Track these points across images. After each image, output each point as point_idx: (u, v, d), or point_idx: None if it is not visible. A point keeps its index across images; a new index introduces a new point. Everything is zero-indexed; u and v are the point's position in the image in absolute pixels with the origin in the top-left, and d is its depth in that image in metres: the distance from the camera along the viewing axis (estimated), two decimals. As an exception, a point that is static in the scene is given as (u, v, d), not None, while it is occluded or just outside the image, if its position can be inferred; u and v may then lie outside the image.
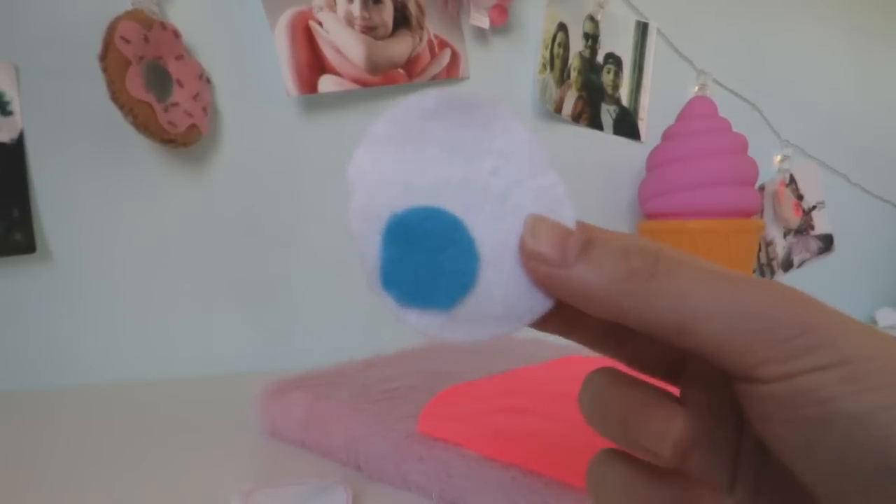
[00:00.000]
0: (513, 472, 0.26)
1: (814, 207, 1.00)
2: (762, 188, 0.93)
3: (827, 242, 1.01)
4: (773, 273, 0.95)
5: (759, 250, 0.93)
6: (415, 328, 0.15)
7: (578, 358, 0.46)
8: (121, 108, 0.49)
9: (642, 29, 0.83)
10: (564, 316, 0.16)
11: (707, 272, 0.14)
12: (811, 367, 0.13)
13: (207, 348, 0.58)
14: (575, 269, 0.14)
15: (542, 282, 0.15)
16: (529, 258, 0.15)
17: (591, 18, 0.78)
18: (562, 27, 0.75)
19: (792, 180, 0.97)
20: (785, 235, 0.96)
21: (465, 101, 0.15)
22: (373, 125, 0.15)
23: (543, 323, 0.16)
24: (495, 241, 0.15)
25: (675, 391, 0.17)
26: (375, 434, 0.32)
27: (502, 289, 0.15)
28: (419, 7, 0.65)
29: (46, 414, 0.45)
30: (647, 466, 0.16)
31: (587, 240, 0.14)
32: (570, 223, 0.15)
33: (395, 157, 0.15)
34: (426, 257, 0.15)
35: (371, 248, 0.15)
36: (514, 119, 0.15)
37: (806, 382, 0.13)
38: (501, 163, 0.15)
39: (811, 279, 0.99)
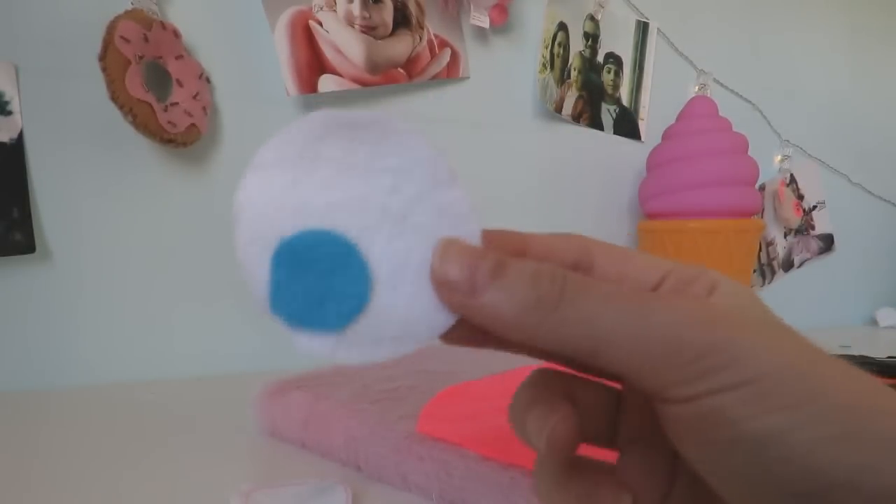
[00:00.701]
0: (513, 472, 0.26)
1: (814, 207, 1.00)
2: (762, 188, 0.93)
3: (827, 242, 1.01)
4: (773, 273, 0.95)
5: (760, 250, 0.93)
6: (306, 351, 0.15)
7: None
8: (120, 107, 0.48)
9: (643, 29, 0.83)
10: (467, 331, 0.16)
11: (615, 294, 0.14)
12: (715, 388, 0.13)
13: (207, 348, 0.58)
14: (485, 295, 0.14)
15: (452, 308, 0.15)
16: (439, 285, 0.14)
17: (592, 18, 0.78)
18: (562, 27, 0.75)
19: (792, 180, 0.97)
20: (785, 235, 0.96)
21: (353, 120, 0.14)
22: (261, 150, 0.15)
23: (447, 339, 0.16)
24: (393, 262, 0.14)
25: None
26: (375, 434, 0.32)
27: (399, 310, 0.14)
28: (419, 7, 0.65)
29: (46, 414, 0.45)
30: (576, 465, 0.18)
31: (497, 264, 0.14)
32: (474, 239, 0.15)
33: (285, 180, 0.15)
34: (315, 281, 0.14)
35: (260, 273, 0.15)
36: (411, 134, 0.15)
37: (710, 404, 0.13)
38: (399, 180, 0.14)
39: (811, 279, 0.99)
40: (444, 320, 0.15)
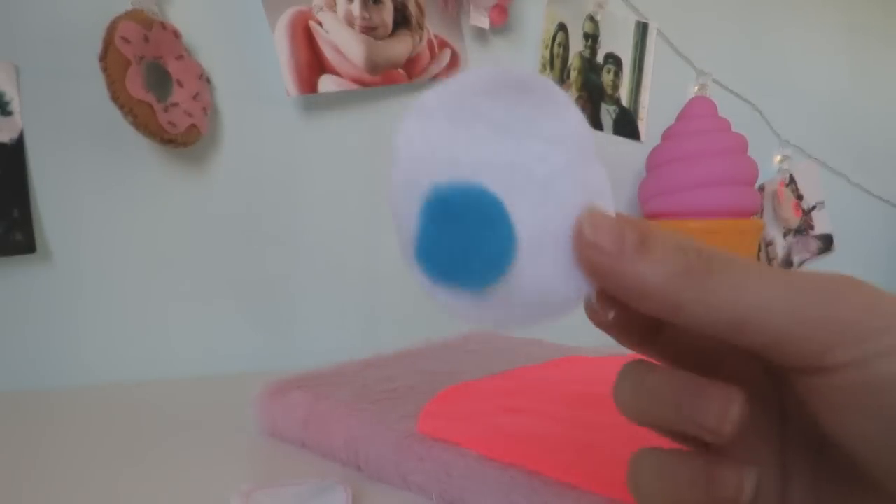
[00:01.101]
0: (513, 472, 0.26)
1: (814, 207, 1.00)
2: (762, 188, 0.93)
3: (827, 242, 1.01)
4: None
5: (759, 250, 0.93)
6: (444, 307, 0.14)
7: (578, 358, 0.46)
8: (121, 108, 0.49)
9: (642, 29, 0.83)
10: (602, 305, 0.15)
11: (760, 267, 0.14)
12: (883, 350, 0.12)
13: (207, 348, 0.58)
14: (633, 263, 0.14)
15: (595, 272, 0.14)
16: (587, 248, 0.14)
17: (591, 18, 0.78)
18: (562, 27, 0.75)
19: (792, 180, 0.97)
20: (785, 235, 0.96)
21: (521, 81, 0.14)
22: (424, 95, 0.14)
23: (591, 314, 0.16)
24: (534, 228, 0.14)
25: None
26: (375, 434, 0.32)
27: (538, 277, 0.14)
28: (419, 7, 0.65)
29: (46, 414, 0.45)
30: (677, 452, 0.16)
31: (643, 235, 0.14)
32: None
33: (442, 129, 0.14)
34: (463, 235, 0.13)
35: (409, 219, 0.14)
36: (569, 105, 0.15)
37: (879, 367, 0.12)
38: (549, 149, 0.14)
39: (811, 279, 0.99)
40: (581, 290, 0.14)
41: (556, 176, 0.14)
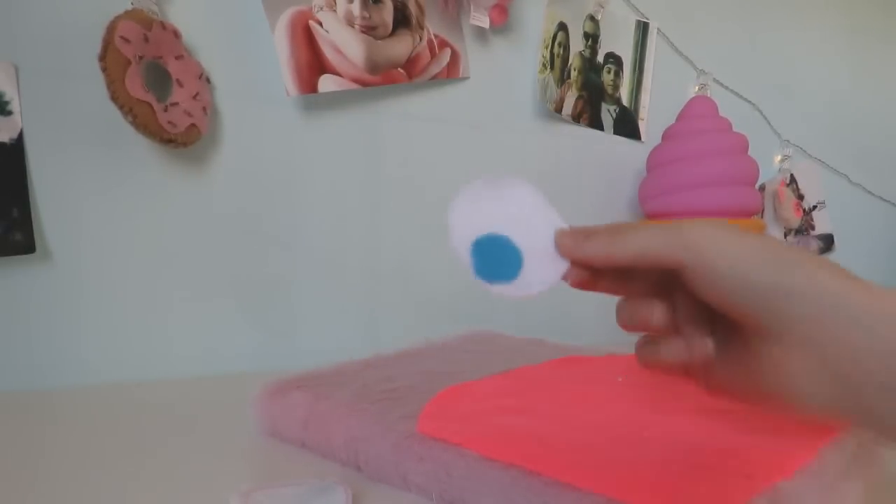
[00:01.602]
0: (513, 472, 0.26)
1: (814, 207, 1.00)
2: (763, 188, 0.93)
3: (827, 242, 1.01)
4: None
5: (760, 250, 0.93)
6: (498, 294, 0.26)
7: (577, 358, 0.46)
8: (120, 107, 0.48)
9: (643, 29, 0.83)
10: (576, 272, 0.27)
11: (652, 224, 0.24)
12: (719, 252, 0.22)
13: (207, 348, 0.58)
14: (583, 245, 0.25)
15: (566, 254, 0.26)
16: (560, 245, 0.26)
17: (592, 18, 0.78)
18: (562, 27, 0.75)
19: (792, 180, 0.97)
20: (785, 235, 0.96)
21: (497, 181, 0.27)
22: (462, 190, 0.27)
23: (571, 280, 0.27)
24: (528, 246, 0.26)
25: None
26: (375, 434, 0.32)
27: (536, 269, 0.26)
28: (419, 7, 0.65)
29: (46, 414, 0.45)
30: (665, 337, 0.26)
31: (586, 232, 0.25)
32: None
33: (470, 208, 0.27)
34: (495, 259, 0.26)
35: (465, 254, 0.26)
36: (524, 185, 0.27)
37: (719, 266, 0.22)
38: (522, 206, 0.27)
39: (811, 279, 0.99)
40: (560, 268, 0.26)
41: (532, 219, 0.27)
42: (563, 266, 0.26)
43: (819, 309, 0.20)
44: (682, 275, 0.23)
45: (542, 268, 0.26)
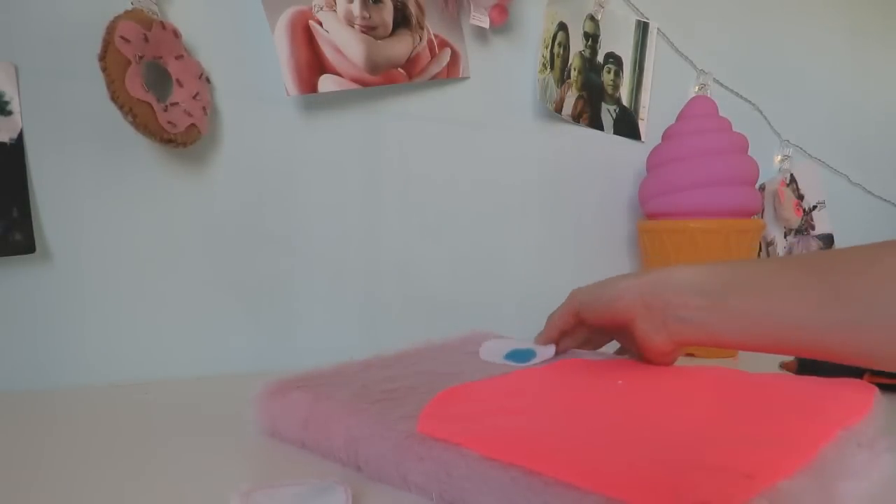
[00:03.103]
0: (513, 472, 0.26)
1: (814, 207, 1.00)
2: (763, 188, 0.93)
3: (827, 242, 1.01)
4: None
5: (760, 250, 0.93)
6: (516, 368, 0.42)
7: (576, 360, 0.46)
8: (120, 107, 0.48)
9: (643, 28, 0.83)
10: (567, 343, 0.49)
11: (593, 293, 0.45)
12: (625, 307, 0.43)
13: (207, 348, 0.58)
14: (556, 331, 0.47)
15: (551, 341, 0.47)
16: (548, 339, 0.47)
17: (592, 18, 0.78)
18: (562, 27, 0.75)
19: (792, 180, 0.97)
20: (785, 235, 0.96)
21: (484, 335, 0.51)
22: (487, 342, 0.49)
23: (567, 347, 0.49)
24: (534, 347, 0.47)
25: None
26: (375, 434, 0.32)
27: (540, 354, 0.45)
28: (419, 7, 0.65)
29: (46, 414, 0.45)
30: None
31: (550, 329, 0.48)
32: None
33: (492, 344, 0.48)
34: (519, 356, 0.45)
35: (499, 358, 0.46)
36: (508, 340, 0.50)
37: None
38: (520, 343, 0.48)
39: (812, 279, 0.99)
40: (552, 349, 0.46)
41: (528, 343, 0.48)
42: (552, 350, 0.46)
43: (632, 301, 0.42)
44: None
45: (544, 350, 0.46)
